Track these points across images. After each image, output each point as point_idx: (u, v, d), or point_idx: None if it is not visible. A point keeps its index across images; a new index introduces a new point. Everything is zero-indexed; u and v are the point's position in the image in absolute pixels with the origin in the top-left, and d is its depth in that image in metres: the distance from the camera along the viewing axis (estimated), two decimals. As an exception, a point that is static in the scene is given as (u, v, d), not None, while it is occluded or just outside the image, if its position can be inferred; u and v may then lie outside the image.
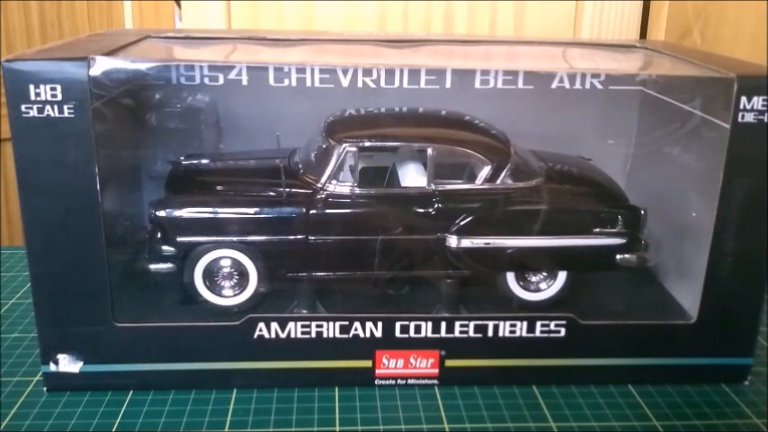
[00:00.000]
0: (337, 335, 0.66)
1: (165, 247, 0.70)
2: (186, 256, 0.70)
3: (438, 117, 0.75)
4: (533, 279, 0.73)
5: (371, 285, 0.72)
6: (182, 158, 0.76)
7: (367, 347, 0.67)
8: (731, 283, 0.66)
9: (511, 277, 0.73)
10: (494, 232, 0.70)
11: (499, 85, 0.72)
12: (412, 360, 0.67)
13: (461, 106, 0.75)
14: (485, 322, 0.67)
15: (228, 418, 0.63)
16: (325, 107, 0.74)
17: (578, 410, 0.65)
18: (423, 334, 0.67)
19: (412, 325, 0.67)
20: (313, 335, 0.66)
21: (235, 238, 0.70)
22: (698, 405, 0.66)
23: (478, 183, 0.71)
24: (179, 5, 1.50)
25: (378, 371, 0.68)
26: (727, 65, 0.65)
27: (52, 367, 0.65)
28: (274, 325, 0.66)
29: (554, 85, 0.74)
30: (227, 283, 0.71)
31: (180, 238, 0.70)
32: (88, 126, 0.59)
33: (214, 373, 0.66)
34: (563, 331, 0.67)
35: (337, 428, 0.62)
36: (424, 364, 0.68)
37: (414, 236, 0.71)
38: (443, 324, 0.67)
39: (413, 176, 0.72)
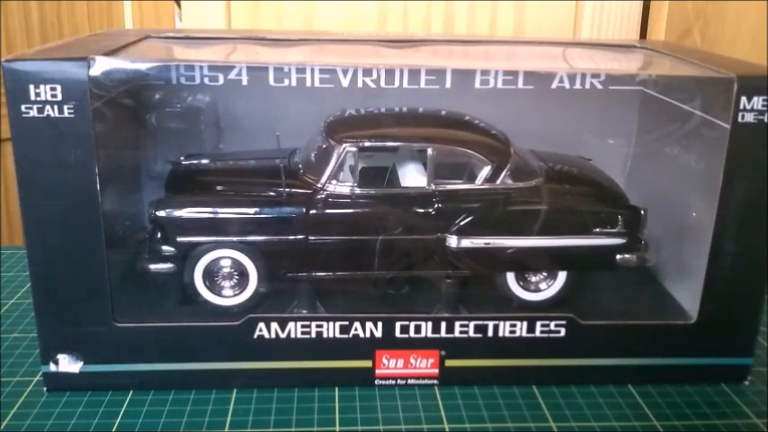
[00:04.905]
0: (337, 335, 0.66)
1: (165, 247, 0.70)
2: (186, 256, 0.70)
3: (438, 117, 0.75)
4: (533, 279, 0.73)
5: (371, 285, 0.72)
6: (182, 158, 0.77)
7: (367, 347, 0.67)
8: (731, 283, 0.66)
9: (511, 277, 0.73)
10: (494, 232, 0.70)
11: (499, 85, 0.72)
12: (412, 360, 0.67)
13: (461, 106, 0.75)
14: (485, 322, 0.67)
15: (228, 418, 0.63)
16: (326, 107, 0.74)
17: (578, 410, 0.65)
18: (423, 334, 0.67)
19: (412, 325, 0.67)
20: (313, 335, 0.66)
21: (235, 238, 0.70)
22: (698, 405, 0.66)
23: (478, 183, 0.71)
24: (179, 5, 1.50)
25: (378, 371, 0.68)
26: (727, 65, 0.65)
27: (52, 367, 0.65)
28: (274, 325, 0.66)
29: (554, 85, 0.74)
30: (227, 283, 0.71)
31: (180, 238, 0.70)
32: (88, 126, 0.59)
33: (214, 373, 0.66)
34: (563, 331, 0.67)
35: (337, 428, 0.62)
36: (424, 364, 0.68)
37: (414, 236, 0.71)
38: (443, 324, 0.67)
39: (413, 176, 0.72)
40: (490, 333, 0.67)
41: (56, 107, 0.58)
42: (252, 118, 0.78)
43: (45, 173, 0.59)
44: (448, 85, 0.71)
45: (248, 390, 0.67)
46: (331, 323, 0.66)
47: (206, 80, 0.72)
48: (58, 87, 0.57)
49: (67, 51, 0.61)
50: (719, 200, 0.64)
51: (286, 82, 0.71)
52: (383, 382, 0.68)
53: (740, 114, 0.61)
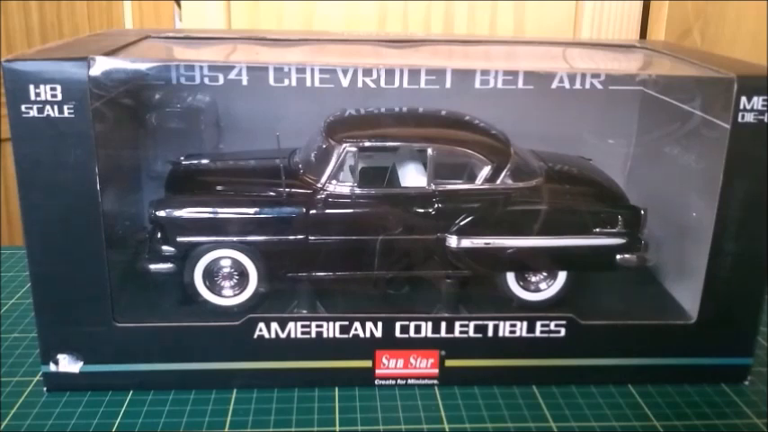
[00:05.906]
0: (337, 335, 0.66)
1: (165, 247, 0.70)
2: (186, 256, 0.70)
3: (438, 117, 0.75)
4: (533, 279, 0.73)
5: (371, 285, 0.72)
6: (182, 158, 0.77)
7: (367, 347, 0.67)
8: (731, 283, 0.66)
9: (511, 277, 0.73)
10: (494, 232, 0.70)
11: (499, 85, 0.72)
12: (412, 360, 0.67)
13: (461, 106, 0.75)
14: (485, 322, 0.67)
15: (228, 418, 0.63)
16: (326, 107, 0.74)
17: (578, 410, 0.65)
18: (423, 334, 0.67)
19: (412, 325, 0.67)
20: (313, 335, 0.66)
21: (235, 238, 0.70)
22: (698, 405, 0.66)
23: (478, 183, 0.71)
24: (179, 5, 1.50)
25: (378, 371, 0.68)
26: (727, 65, 0.65)
27: (52, 367, 0.65)
28: (274, 325, 0.66)
29: (554, 85, 0.74)
30: (227, 283, 0.71)
31: (180, 238, 0.70)
32: (88, 126, 0.59)
33: (214, 373, 0.66)
34: (563, 331, 0.67)
35: (337, 428, 0.62)
36: (424, 364, 0.68)
37: (414, 236, 0.71)
38: (443, 324, 0.67)
39: (413, 176, 0.72)
40: (490, 333, 0.67)
41: (56, 107, 0.58)
42: (252, 118, 0.78)
43: (45, 173, 0.59)
44: (448, 85, 0.71)
45: (248, 390, 0.67)
46: (331, 323, 0.66)
47: (206, 80, 0.72)
48: (58, 87, 0.57)
49: (67, 51, 0.61)
50: (719, 200, 0.64)
51: (286, 82, 0.71)
52: (383, 382, 0.68)
53: (740, 114, 0.61)
